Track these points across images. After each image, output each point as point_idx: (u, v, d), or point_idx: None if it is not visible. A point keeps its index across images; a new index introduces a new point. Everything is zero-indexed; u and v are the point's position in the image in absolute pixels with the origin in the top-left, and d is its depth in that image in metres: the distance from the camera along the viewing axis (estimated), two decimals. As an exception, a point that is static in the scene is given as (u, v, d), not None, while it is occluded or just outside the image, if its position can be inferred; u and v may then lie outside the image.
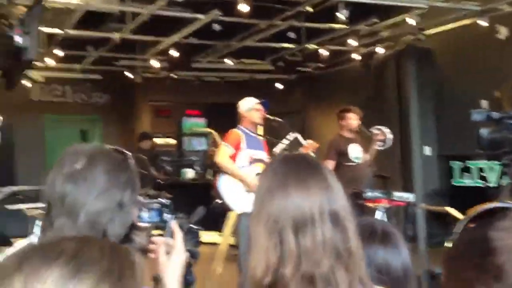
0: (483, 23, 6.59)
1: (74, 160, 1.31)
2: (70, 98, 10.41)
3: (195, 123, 10.79)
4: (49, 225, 1.29)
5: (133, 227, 1.36)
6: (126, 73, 9.28)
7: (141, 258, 1.30)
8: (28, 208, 7.45)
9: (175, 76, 9.50)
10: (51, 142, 10.09)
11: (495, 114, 2.82)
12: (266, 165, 1.38)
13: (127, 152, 1.42)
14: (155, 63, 8.62)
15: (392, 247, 1.46)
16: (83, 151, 1.34)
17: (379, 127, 5.68)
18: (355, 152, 5.71)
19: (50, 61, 8.35)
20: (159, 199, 1.58)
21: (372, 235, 1.47)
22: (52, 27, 7.16)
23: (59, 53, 8.06)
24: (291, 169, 1.22)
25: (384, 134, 5.62)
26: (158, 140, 10.43)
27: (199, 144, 10.78)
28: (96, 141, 9.87)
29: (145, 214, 1.51)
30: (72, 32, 7.25)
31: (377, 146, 5.66)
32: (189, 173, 9.83)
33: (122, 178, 1.33)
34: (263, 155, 4.97)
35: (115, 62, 9.19)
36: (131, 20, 6.86)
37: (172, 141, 10.77)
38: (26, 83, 9.27)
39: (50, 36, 7.50)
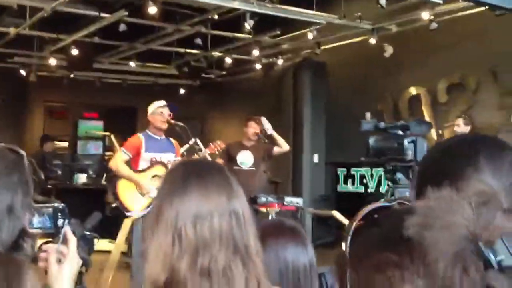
0: (372, 41, 7.21)
1: None
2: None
3: (92, 126, 10.46)
4: None
5: (23, 233, 1.24)
6: (20, 71, 8.81)
7: (32, 270, 1.22)
8: None
9: (73, 76, 9.19)
10: None
11: (382, 124, 3.09)
12: (167, 170, 1.37)
13: (21, 151, 1.31)
14: (52, 61, 8.30)
15: (300, 244, 1.51)
16: None
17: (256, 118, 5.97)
18: (243, 158, 5.89)
19: None
20: (53, 203, 1.45)
21: (282, 231, 1.55)
22: None
23: None
24: (191, 173, 1.22)
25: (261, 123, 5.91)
26: (52, 143, 9.96)
27: (95, 148, 10.44)
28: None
29: (36, 219, 1.37)
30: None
31: (269, 132, 5.89)
32: (82, 178, 9.47)
33: (14, 179, 1.22)
34: (169, 157, 5.02)
35: (9, 59, 8.70)
36: (30, 15, 6.58)
37: (65, 144, 10.34)
38: None
39: None
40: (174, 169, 1.28)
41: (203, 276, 1.11)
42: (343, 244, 0.76)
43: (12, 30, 7.02)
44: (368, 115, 7.03)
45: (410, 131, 2.81)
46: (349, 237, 0.75)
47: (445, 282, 0.59)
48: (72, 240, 1.37)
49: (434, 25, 6.44)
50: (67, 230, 1.38)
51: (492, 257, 0.57)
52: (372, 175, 6.35)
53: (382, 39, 7.24)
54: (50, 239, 1.40)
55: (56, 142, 9.93)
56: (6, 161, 1.24)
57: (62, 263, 1.33)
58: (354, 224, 0.77)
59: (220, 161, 5.60)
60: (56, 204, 1.44)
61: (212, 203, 1.17)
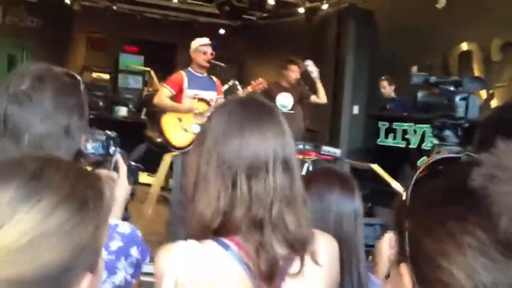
0: (425, -10, 6.89)
1: (21, 81, 1.21)
2: (0, 20, 9.77)
3: (133, 60, 10.50)
4: None
5: (79, 155, 1.28)
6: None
7: (110, 188, 1.30)
8: None
9: (115, 8, 9.16)
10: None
11: (433, 79, 2.99)
12: (218, 107, 1.30)
13: (78, 76, 1.34)
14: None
15: (347, 192, 1.52)
16: (31, 71, 1.24)
17: (305, 63, 5.85)
18: (283, 100, 5.78)
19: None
20: (106, 131, 1.48)
21: (330, 176, 1.56)
22: None
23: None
24: (248, 113, 1.20)
25: (305, 66, 5.81)
26: (92, 74, 10.10)
27: (135, 83, 10.55)
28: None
29: (90, 145, 1.41)
30: None
31: (313, 75, 5.81)
32: (123, 111, 9.63)
33: (70, 102, 1.25)
34: (211, 95, 5.02)
35: (54, -14, 8.71)
36: None
37: (106, 76, 10.46)
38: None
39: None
40: (229, 107, 1.23)
41: (255, 225, 1.13)
42: (404, 193, 0.74)
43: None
44: (414, 68, 6.82)
45: (462, 87, 2.71)
46: (411, 187, 0.73)
47: (507, 236, 0.58)
48: (123, 168, 1.42)
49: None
50: (119, 157, 1.43)
51: None
52: (415, 131, 6.21)
53: (435, -11, 6.91)
54: (100, 166, 1.44)
55: (97, 74, 10.06)
56: (63, 84, 1.26)
57: (114, 188, 1.37)
58: (417, 173, 0.74)
59: None
60: (109, 132, 1.47)
61: (269, 149, 1.16)
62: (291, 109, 5.80)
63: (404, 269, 0.68)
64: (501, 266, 0.59)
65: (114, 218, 1.34)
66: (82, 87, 1.31)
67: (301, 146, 5.17)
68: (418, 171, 0.75)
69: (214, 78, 5.10)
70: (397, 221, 0.73)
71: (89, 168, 1.41)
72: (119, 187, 1.38)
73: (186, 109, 4.85)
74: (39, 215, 0.66)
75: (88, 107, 1.33)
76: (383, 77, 6.96)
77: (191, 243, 1.14)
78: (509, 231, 0.58)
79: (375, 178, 5.47)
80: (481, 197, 0.60)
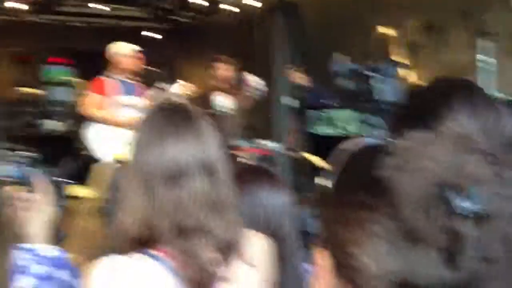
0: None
1: None
2: None
3: (59, 71, 10.17)
4: None
5: None
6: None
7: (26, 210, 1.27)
8: None
9: (37, 20, 8.82)
10: None
11: (352, 66, 3.06)
12: (142, 117, 1.29)
13: None
14: (14, 4, 7.94)
15: (277, 188, 1.52)
16: None
17: (246, 74, 5.86)
18: (221, 101, 5.81)
19: None
20: (23, 151, 1.45)
21: (256, 174, 1.56)
22: None
23: None
24: (168, 120, 1.19)
25: (251, 82, 5.81)
26: (20, 89, 9.71)
27: (63, 94, 10.21)
28: None
29: (5, 167, 1.38)
30: None
31: (249, 93, 5.84)
32: (51, 125, 9.33)
33: None
34: (135, 100, 4.94)
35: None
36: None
37: (34, 91, 10.07)
38: None
39: None
40: (150, 115, 1.23)
41: (179, 233, 1.12)
42: (325, 180, 0.77)
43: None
44: (337, 56, 6.97)
45: (380, 72, 2.80)
46: (330, 174, 0.77)
47: (411, 225, 0.60)
48: (42, 187, 1.36)
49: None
50: (37, 177, 1.37)
51: (459, 204, 0.57)
52: (342, 118, 6.37)
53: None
54: (19, 187, 1.37)
55: (23, 89, 9.68)
56: None
57: (33, 210, 1.32)
58: (337, 165, 0.78)
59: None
60: (26, 152, 1.43)
61: (189, 154, 1.15)
62: (230, 109, 5.79)
63: (326, 255, 0.70)
64: (405, 253, 0.61)
65: (40, 240, 1.30)
66: None
67: (239, 142, 5.19)
68: (338, 159, 0.78)
69: (134, 83, 5.04)
70: (319, 208, 0.76)
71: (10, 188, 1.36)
72: (40, 209, 1.33)
73: (115, 122, 4.73)
74: None
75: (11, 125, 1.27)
76: (291, 68, 7.03)
77: (117, 257, 1.12)
78: (411, 220, 0.60)
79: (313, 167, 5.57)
80: (387, 186, 0.62)
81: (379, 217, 0.63)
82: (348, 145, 0.84)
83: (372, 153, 0.75)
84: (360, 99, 3.00)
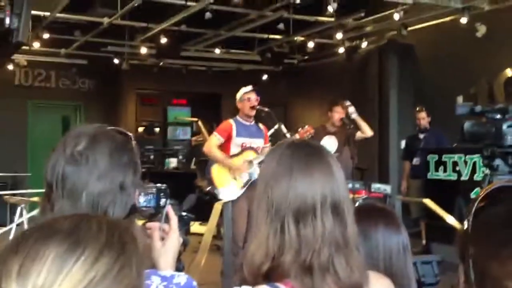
0: (464, 20, 6.85)
1: (77, 142, 1.27)
2: (54, 83, 10.35)
3: (180, 112, 10.85)
4: (49, 209, 1.25)
5: (133, 209, 1.33)
6: (113, 59, 9.27)
7: (142, 232, 1.37)
8: (8, 195, 7.39)
9: (161, 64, 9.55)
10: (32, 128, 10.06)
11: (478, 108, 2.94)
12: (269, 152, 1.33)
13: (129, 133, 1.40)
14: (143, 50, 8.66)
15: (392, 225, 1.52)
16: (86, 132, 1.30)
17: (342, 102, 5.86)
18: (328, 143, 5.77)
19: (35, 44, 8.33)
20: (157, 184, 1.52)
21: (372, 213, 1.56)
22: (41, 9, 7.16)
23: (45, 36, 8.05)
24: (297, 156, 1.21)
25: (346, 107, 5.79)
26: (143, 129, 10.50)
27: (184, 134, 10.85)
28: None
29: (142, 198, 1.46)
30: (60, 15, 7.26)
31: (355, 117, 5.80)
32: (173, 163, 9.88)
33: (124, 159, 1.30)
34: (258, 142, 5.10)
35: (102, 48, 9.18)
36: (121, 5, 6.89)
37: (156, 130, 10.83)
38: (9, 66, 9.23)
39: (37, 18, 7.47)
40: (279, 152, 1.25)
41: (305, 270, 1.13)
42: (465, 222, 0.77)
43: (105, 20, 7.38)
44: (460, 99, 6.72)
45: (509, 115, 2.66)
46: (471, 216, 0.76)
47: None
48: (174, 219, 1.45)
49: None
50: (169, 209, 1.46)
51: None
52: (465, 162, 6.06)
53: (473, 18, 6.86)
54: (152, 219, 1.47)
55: (148, 128, 10.44)
56: (116, 142, 1.31)
57: (165, 240, 1.40)
58: (477, 202, 0.77)
59: None
60: (159, 185, 1.52)
61: (317, 192, 1.17)
62: (335, 152, 5.79)
63: None
64: None
65: (169, 269, 1.38)
66: (133, 143, 1.37)
67: (350, 185, 5.14)
68: (477, 200, 0.78)
69: (261, 126, 5.20)
70: (461, 250, 0.76)
71: (142, 221, 1.47)
72: (171, 238, 1.41)
73: (235, 167, 4.91)
74: (85, 266, 0.68)
75: (140, 161, 1.39)
76: (419, 108, 6.87)
77: None
78: None
79: (429, 213, 5.34)
80: None
81: None
82: (489, 188, 0.83)
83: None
84: (485, 143, 2.86)
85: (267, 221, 1.17)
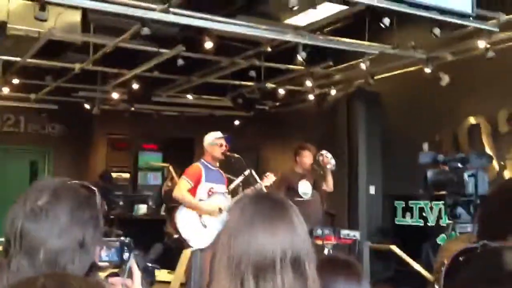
0: (428, 70, 7.11)
1: (38, 196, 1.24)
2: (23, 128, 10.21)
3: (152, 157, 10.78)
4: (6, 265, 1.20)
5: (93, 267, 1.29)
6: (84, 104, 9.23)
7: None
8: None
9: (133, 109, 9.56)
10: (-2, 173, 9.83)
11: (441, 157, 3.04)
12: (233, 205, 1.35)
13: (93, 188, 1.37)
14: (115, 95, 8.67)
15: (354, 280, 1.52)
16: (48, 186, 1.27)
17: (321, 152, 5.93)
18: (304, 188, 5.85)
19: (5, 90, 8.27)
20: (121, 238, 1.50)
21: (334, 266, 1.56)
22: (11, 55, 7.15)
23: (15, 81, 8.01)
24: (259, 209, 1.22)
25: (326, 158, 5.87)
26: (112, 174, 10.34)
27: (155, 179, 10.74)
28: (47, 174, 9.68)
29: (104, 253, 1.43)
30: (31, 60, 7.24)
31: (329, 169, 5.87)
32: (142, 209, 9.72)
33: (86, 215, 1.27)
34: (222, 188, 5.12)
35: (73, 93, 9.16)
36: (93, 50, 6.92)
37: (126, 175, 10.69)
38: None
39: (7, 63, 7.43)
40: (242, 205, 1.27)
41: None
42: (436, 286, 0.81)
43: (76, 66, 7.40)
44: (425, 146, 6.92)
45: (470, 164, 2.76)
46: (442, 279, 0.80)
47: None
48: (137, 273, 1.44)
49: (491, 54, 6.26)
50: (133, 264, 1.45)
51: None
52: (431, 208, 6.18)
53: (437, 68, 7.13)
54: (115, 272, 1.47)
55: (117, 174, 10.29)
56: (78, 197, 1.29)
57: None
58: (445, 267, 0.82)
59: (277, 191, 5.61)
60: (122, 238, 1.51)
61: (277, 246, 1.17)
62: (311, 196, 5.83)
63: None
64: None
65: None
66: (97, 198, 1.34)
67: (319, 231, 5.16)
68: (446, 265, 0.82)
69: (221, 171, 5.25)
70: None
71: (103, 276, 1.45)
72: None
73: (208, 211, 4.90)
74: None
75: (105, 213, 1.37)
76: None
77: None
78: None
79: (397, 259, 5.37)
80: None
81: None
82: (453, 253, 0.87)
83: (488, 252, 0.81)
84: (448, 191, 2.93)
85: (227, 276, 1.16)
